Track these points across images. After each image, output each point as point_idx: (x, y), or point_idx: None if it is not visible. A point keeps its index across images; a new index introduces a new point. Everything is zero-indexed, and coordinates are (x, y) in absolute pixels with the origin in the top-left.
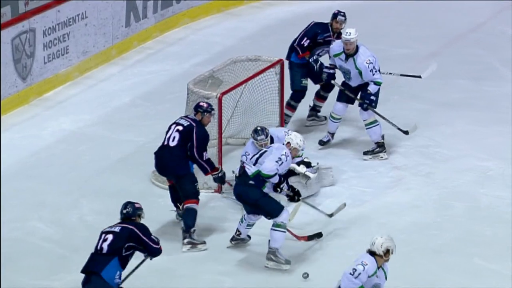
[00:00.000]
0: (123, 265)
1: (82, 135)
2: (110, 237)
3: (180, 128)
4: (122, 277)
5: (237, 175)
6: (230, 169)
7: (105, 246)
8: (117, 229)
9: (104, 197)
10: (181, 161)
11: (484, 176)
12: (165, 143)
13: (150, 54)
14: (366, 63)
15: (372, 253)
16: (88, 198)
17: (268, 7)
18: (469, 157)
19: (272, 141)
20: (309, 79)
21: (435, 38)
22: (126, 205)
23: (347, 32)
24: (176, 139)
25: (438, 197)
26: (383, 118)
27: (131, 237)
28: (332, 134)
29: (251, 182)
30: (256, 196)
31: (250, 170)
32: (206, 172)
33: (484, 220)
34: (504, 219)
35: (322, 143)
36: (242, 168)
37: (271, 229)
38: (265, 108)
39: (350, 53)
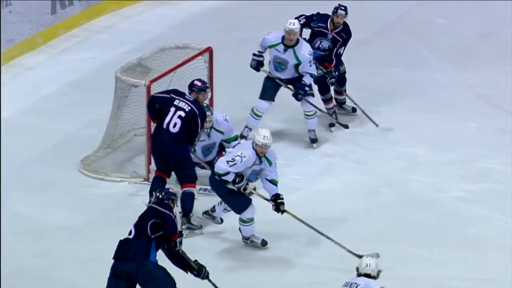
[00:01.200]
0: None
1: (9, 124)
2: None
3: (183, 114)
4: None
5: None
6: None
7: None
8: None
9: (33, 187)
10: (183, 146)
11: (413, 163)
12: (165, 127)
13: (78, 42)
14: (308, 54)
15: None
16: (16, 188)
17: None
18: (398, 144)
19: None
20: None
21: (365, 27)
22: (160, 191)
23: (290, 22)
24: (178, 125)
25: (369, 184)
26: (320, 110)
27: (158, 214)
28: (250, 129)
29: (216, 177)
30: (221, 192)
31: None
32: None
33: (413, 206)
34: (433, 206)
35: (242, 137)
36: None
37: (239, 222)
38: None
39: (291, 44)
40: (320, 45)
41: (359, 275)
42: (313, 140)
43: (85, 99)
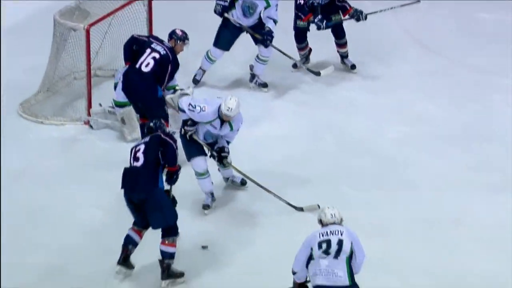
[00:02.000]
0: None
1: None
2: (142, 147)
3: (157, 56)
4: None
5: None
6: (98, 100)
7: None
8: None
9: None
10: (152, 85)
11: (351, 107)
12: (137, 66)
13: None
14: None
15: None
16: None
17: None
18: (337, 89)
19: None
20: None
21: None
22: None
23: None
24: (150, 66)
25: (308, 129)
26: (284, 54)
27: (162, 143)
28: (204, 71)
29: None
30: (182, 135)
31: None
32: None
33: (351, 150)
34: (370, 149)
35: (195, 81)
36: None
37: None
38: None
39: None
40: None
41: (325, 226)
42: (264, 85)
43: (23, 44)
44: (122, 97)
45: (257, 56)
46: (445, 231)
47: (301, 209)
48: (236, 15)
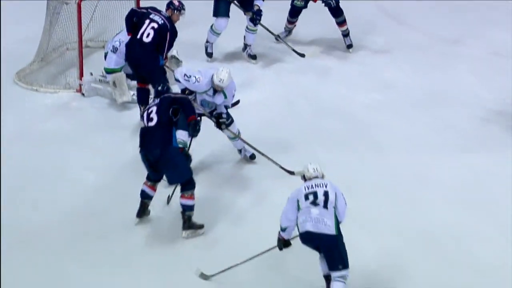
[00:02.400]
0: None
1: None
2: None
3: (155, 26)
4: None
5: None
6: (89, 70)
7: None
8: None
9: None
10: (153, 54)
11: (325, 75)
12: (138, 37)
13: None
14: None
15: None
16: None
17: None
18: (312, 58)
19: None
20: None
21: None
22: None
23: None
24: (151, 36)
25: (285, 95)
26: (270, 32)
27: (175, 100)
28: (211, 44)
29: None
30: None
31: None
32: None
33: (325, 114)
34: (342, 113)
35: (209, 54)
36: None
37: None
38: (123, 14)
39: None
40: None
41: (308, 180)
42: (253, 57)
43: (15, 16)
44: (113, 64)
45: (247, 27)
46: (411, 189)
47: (292, 173)
48: None
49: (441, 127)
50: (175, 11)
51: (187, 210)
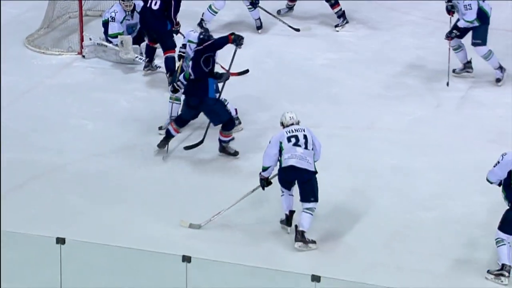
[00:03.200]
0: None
1: None
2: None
3: None
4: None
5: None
6: (88, 35)
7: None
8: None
9: None
10: (162, 20)
11: (289, 38)
12: (148, 5)
13: None
14: None
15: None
16: None
17: None
18: (278, 25)
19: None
20: None
21: None
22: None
23: None
24: (158, 3)
25: (254, 56)
26: (269, 13)
27: (205, 49)
28: (206, 22)
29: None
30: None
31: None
32: (172, 25)
33: (289, 72)
34: (303, 71)
35: (206, 30)
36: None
37: None
38: None
39: None
40: None
41: (287, 126)
42: (259, 27)
43: None
44: (116, 30)
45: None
46: (361, 134)
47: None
48: None
49: (385, 82)
50: None
51: (223, 142)
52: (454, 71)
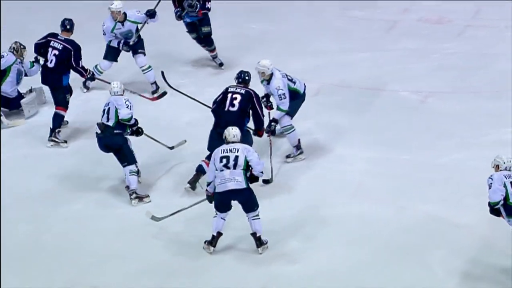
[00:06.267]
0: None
1: None
2: (238, 97)
3: (56, 52)
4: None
5: (98, 131)
6: None
7: (236, 103)
8: (242, 90)
9: None
10: (58, 76)
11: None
12: (45, 63)
13: None
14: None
15: None
16: None
17: None
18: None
19: None
20: None
21: None
22: (244, 72)
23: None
24: (54, 62)
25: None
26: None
27: (251, 99)
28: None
29: (116, 131)
30: (121, 142)
31: (111, 121)
32: (82, 75)
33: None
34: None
35: (86, 86)
36: (102, 124)
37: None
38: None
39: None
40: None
41: (227, 142)
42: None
43: None
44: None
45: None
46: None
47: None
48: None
49: None
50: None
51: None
52: (288, 156)
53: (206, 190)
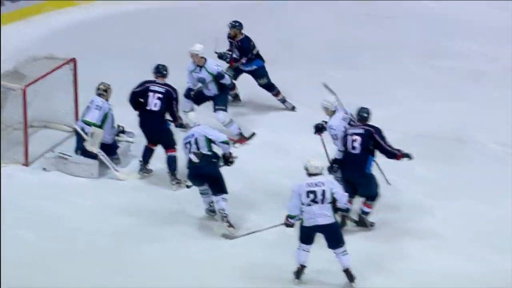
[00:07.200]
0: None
1: None
2: (358, 138)
3: (160, 96)
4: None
5: (195, 160)
6: (34, 147)
7: (356, 145)
8: (360, 130)
9: None
10: (164, 119)
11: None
12: (148, 108)
13: None
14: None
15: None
16: None
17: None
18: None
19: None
20: None
21: None
22: (363, 108)
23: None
24: (158, 105)
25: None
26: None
27: (371, 137)
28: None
29: (213, 159)
30: (218, 170)
31: (204, 150)
32: (175, 121)
33: None
34: None
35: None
36: (200, 153)
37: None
38: (61, 96)
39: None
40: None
41: (309, 174)
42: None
43: None
44: (95, 119)
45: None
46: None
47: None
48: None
49: None
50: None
51: (363, 213)
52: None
53: (287, 220)
